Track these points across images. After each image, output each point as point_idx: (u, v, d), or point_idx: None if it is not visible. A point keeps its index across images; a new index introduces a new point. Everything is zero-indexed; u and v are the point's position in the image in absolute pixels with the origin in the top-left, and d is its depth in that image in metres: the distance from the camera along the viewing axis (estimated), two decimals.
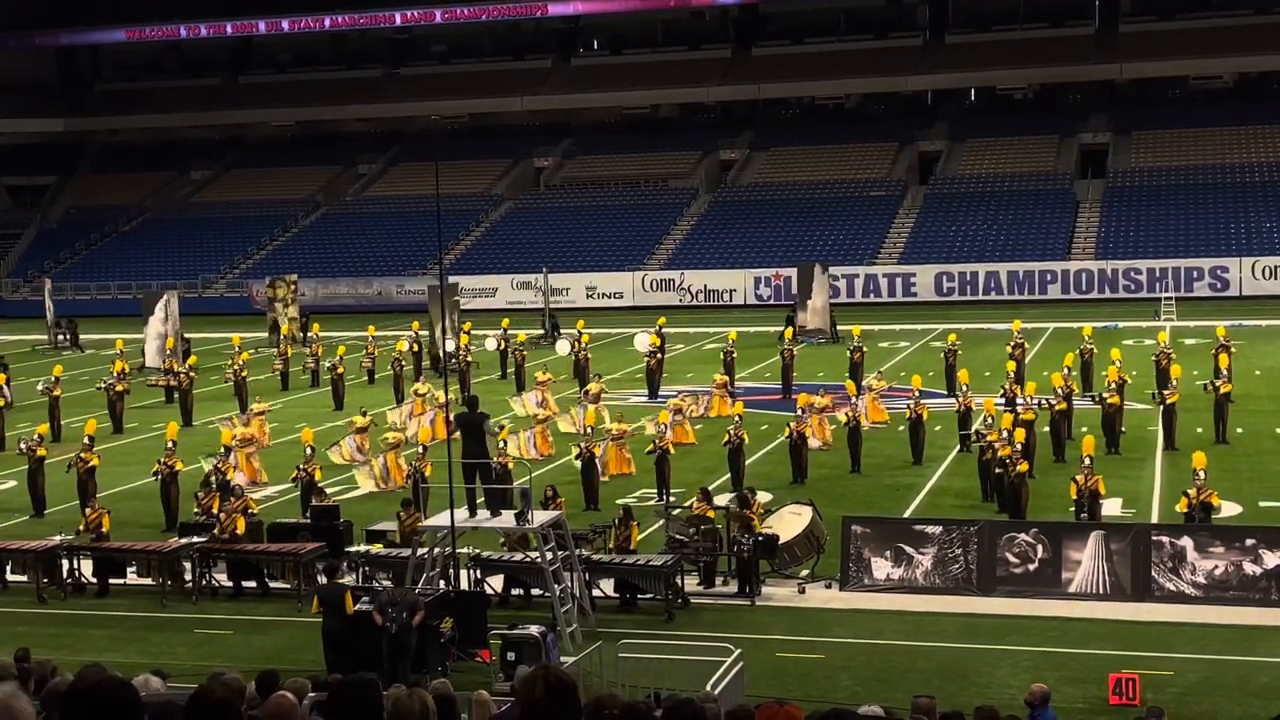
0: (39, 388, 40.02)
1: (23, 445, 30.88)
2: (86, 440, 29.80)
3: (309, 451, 29.01)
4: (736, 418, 30.75)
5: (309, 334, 53.34)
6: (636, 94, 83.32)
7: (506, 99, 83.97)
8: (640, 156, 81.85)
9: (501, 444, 27.91)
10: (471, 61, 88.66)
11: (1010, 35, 78.55)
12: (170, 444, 29.16)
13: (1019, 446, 26.56)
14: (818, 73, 79.56)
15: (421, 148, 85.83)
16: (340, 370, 42.13)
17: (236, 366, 42.30)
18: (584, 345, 42.97)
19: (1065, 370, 33.90)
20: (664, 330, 45.55)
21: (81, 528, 25.43)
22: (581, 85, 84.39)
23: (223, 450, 30.12)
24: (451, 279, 59.65)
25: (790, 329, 48.14)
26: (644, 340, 42.94)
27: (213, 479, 27.23)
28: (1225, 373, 34.22)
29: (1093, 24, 79.17)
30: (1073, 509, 24.89)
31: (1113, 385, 32.07)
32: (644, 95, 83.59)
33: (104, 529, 25.02)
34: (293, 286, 60.20)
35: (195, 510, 26.22)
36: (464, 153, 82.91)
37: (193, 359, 47.17)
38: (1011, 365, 36.54)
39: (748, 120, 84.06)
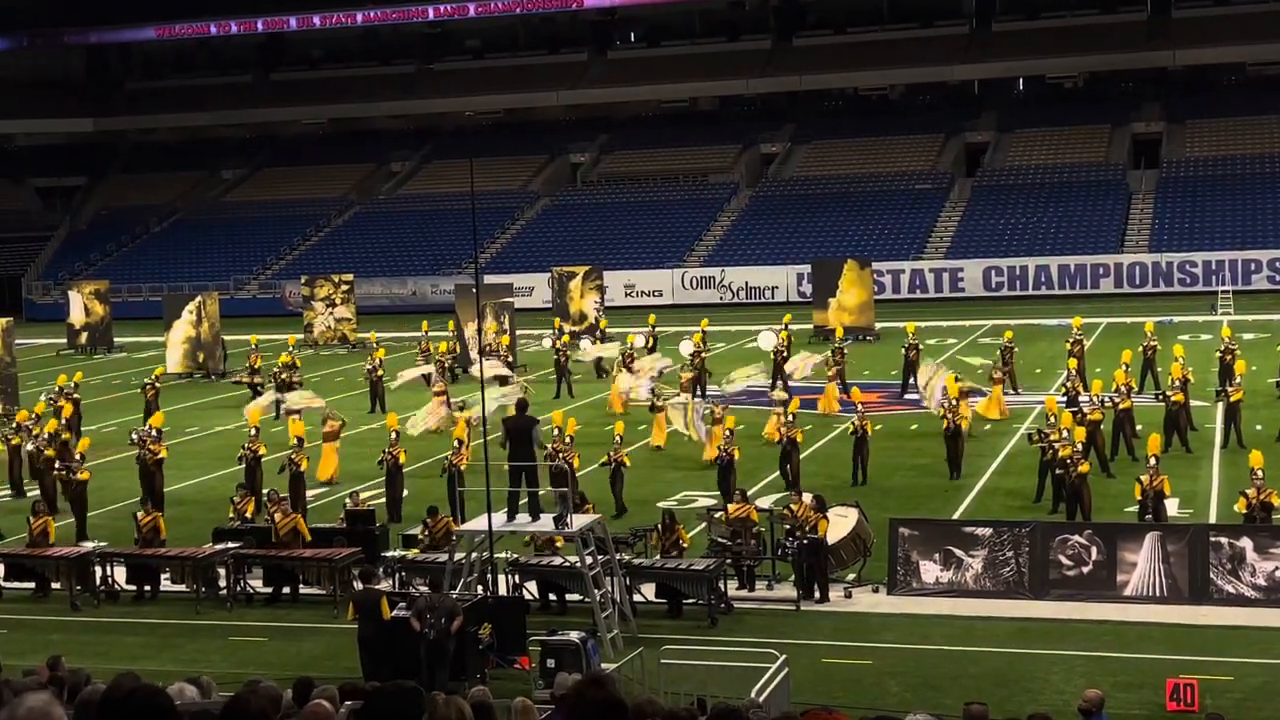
0: (43, 397, 38.78)
1: (134, 435, 31.14)
2: (154, 433, 30.50)
3: (394, 436, 29.58)
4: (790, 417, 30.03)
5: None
6: (674, 87, 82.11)
7: (542, 94, 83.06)
8: (679, 151, 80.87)
9: (569, 439, 27.81)
10: (506, 56, 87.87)
11: (1059, 22, 77.16)
12: (254, 430, 30.68)
13: (1079, 446, 25.81)
14: (860, 63, 78.31)
15: (455, 144, 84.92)
16: (380, 373, 41.46)
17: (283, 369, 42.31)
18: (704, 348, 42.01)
19: (1124, 367, 33.18)
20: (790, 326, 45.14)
21: (142, 515, 25.21)
22: (618, 79, 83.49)
23: (295, 441, 29.91)
24: (494, 278, 58.52)
25: (841, 328, 46.76)
26: (770, 338, 42.00)
27: (286, 469, 28.29)
28: None
29: (1145, 9, 77.42)
30: (1135, 509, 24.38)
31: (1176, 383, 31.37)
32: (682, 88, 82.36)
33: (160, 532, 24.85)
34: (345, 287, 58.94)
35: (230, 515, 25.97)
36: (499, 149, 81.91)
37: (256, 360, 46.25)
38: (1073, 363, 35.44)
39: (789, 112, 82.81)
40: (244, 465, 29.81)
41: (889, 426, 35.39)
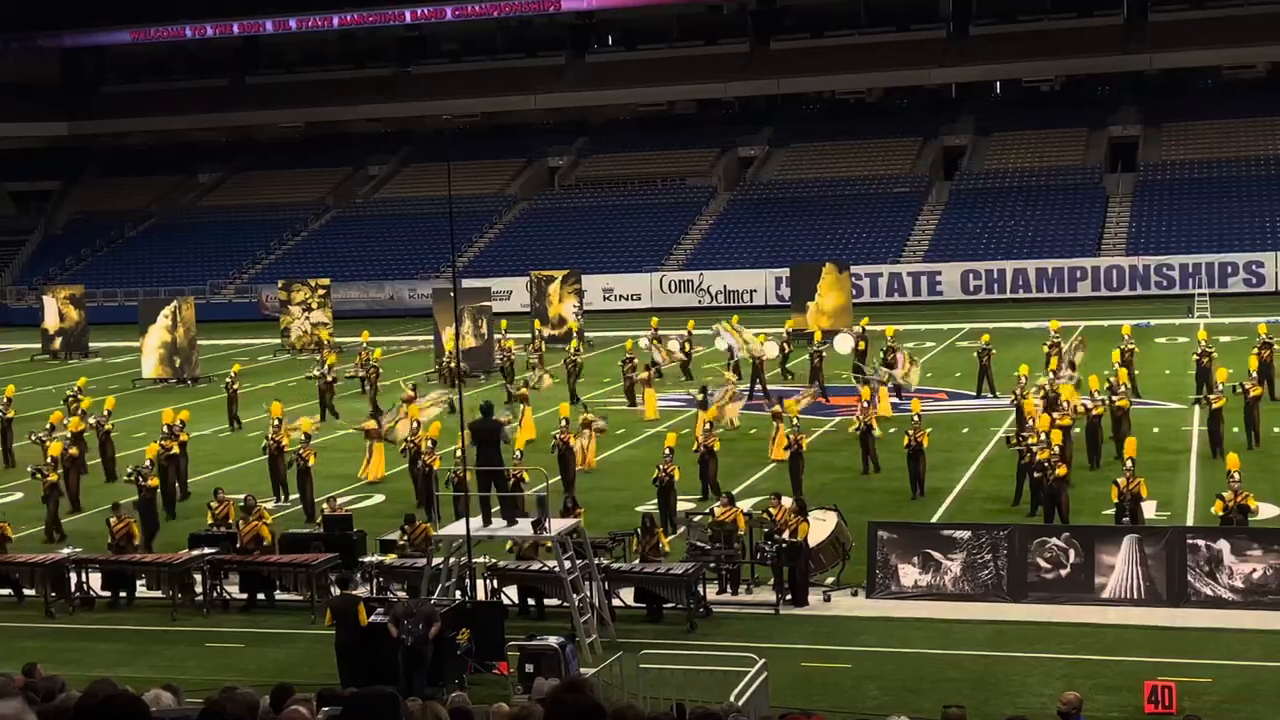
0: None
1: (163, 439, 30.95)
2: (166, 429, 30.79)
3: (415, 425, 30.39)
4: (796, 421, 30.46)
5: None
6: (652, 90, 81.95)
7: (519, 97, 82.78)
8: (657, 154, 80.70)
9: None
10: (483, 59, 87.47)
11: (1036, 25, 77.18)
12: (276, 421, 31.14)
13: (1057, 449, 25.76)
14: (838, 66, 78.13)
15: (433, 148, 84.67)
16: (331, 379, 40.66)
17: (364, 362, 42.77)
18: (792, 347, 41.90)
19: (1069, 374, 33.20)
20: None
21: (114, 521, 24.63)
22: (596, 82, 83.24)
23: (303, 437, 29.95)
24: (472, 282, 58.21)
25: (819, 331, 46.64)
26: (848, 342, 41.77)
27: (295, 465, 28.91)
28: (1254, 375, 33.14)
29: (1121, 13, 77.63)
30: (1112, 512, 24.50)
31: (1123, 388, 31.46)
32: (660, 92, 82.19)
33: (133, 537, 24.69)
34: (322, 291, 58.57)
35: (210, 521, 25.69)
36: (476, 152, 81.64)
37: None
38: (1025, 369, 34.62)
39: (767, 116, 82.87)
40: (266, 455, 30.52)
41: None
